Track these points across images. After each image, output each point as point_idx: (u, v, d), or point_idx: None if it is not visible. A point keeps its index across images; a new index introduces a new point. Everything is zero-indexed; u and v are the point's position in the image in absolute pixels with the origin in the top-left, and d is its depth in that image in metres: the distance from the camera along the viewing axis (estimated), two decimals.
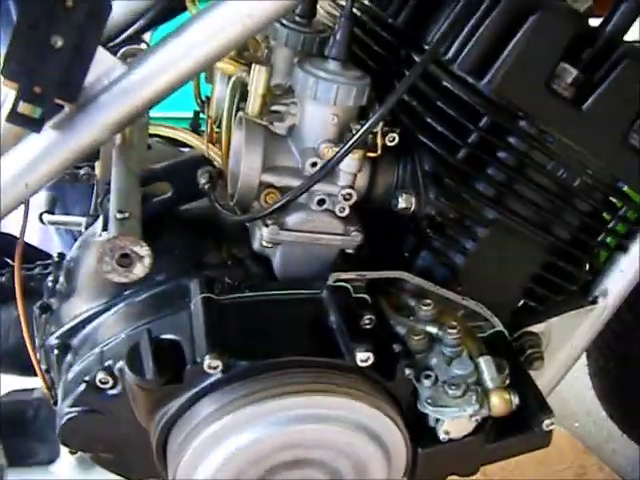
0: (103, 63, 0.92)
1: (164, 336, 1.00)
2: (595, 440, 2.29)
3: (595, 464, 2.20)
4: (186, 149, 1.42)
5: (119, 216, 0.92)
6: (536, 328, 1.30)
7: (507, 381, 1.07)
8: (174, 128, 1.39)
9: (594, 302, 1.31)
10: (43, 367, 1.20)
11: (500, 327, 1.17)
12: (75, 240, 1.38)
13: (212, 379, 0.97)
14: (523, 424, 1.11)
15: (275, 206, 1.02)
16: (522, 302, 1.25)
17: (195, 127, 1.62)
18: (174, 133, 1.37)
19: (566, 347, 1.35)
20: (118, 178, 1.04)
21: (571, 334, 1.34)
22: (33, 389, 1.44)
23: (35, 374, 1.23)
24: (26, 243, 1.34)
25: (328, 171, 1.01)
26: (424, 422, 1.07)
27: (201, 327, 0.98)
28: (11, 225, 1.26)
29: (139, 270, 0.90)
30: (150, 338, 0.97)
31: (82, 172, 1.46)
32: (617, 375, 2.02)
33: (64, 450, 1.36)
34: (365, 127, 0.98)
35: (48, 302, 1.25)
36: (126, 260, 0.90)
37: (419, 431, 1.07)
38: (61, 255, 1.35)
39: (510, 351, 1.16)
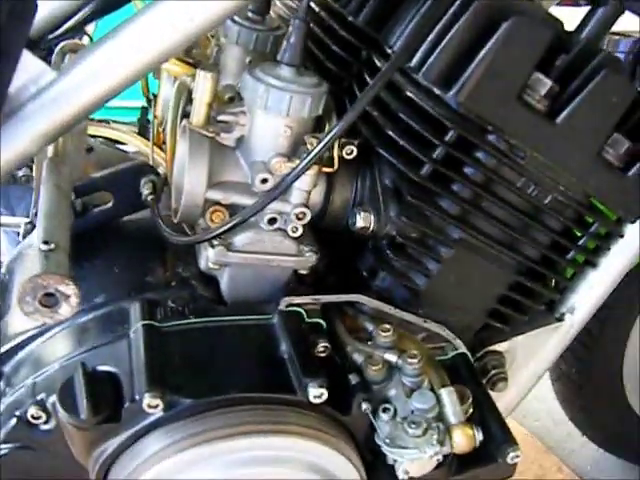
0: (30, 68, 0.83)
1: (101, 368, 0.92)
2: (555, 439, 2.26)
3: (555, 464, 2.18)
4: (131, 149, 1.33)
5: (44, 247, 0.83)
6: (500, 347, 1.23)
7: (470, 410, 1.00)
8: (118, 129, 1.30)
9: (560, 319, 1.24)
10: None
11: (463, 349, 1.10)
12: None
13: (152, 418, 0.89)
14: (487, 455, 1.04)
15: (222, 229, 0.94)
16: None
17: (142, 124, 1.54)
18: (118, 135, 1.28)
19: (531, 365, 1.29)
20: (47, 201, 0.95)
21: (536, 352, 1.27)
22: None
23: None
24: None
25: (282, 192, 0.92)
26: (382, 458, 0.99)
27: (141, 360, 0.90)
28: None
29: (65, 310, 0.81)
30: (84, 373, 0.89)
31: (21, 173, 1.37)
32: (578, 380, 1.98)
33: None
34: (322, 143, 0.90)
35: None
36: (50, 299, 0.80)
37: (376, 469, 1.00)
38: None
39: (473, 375, 1.09)
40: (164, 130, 1.18)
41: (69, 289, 0.79)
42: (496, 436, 1.02)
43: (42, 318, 0.79)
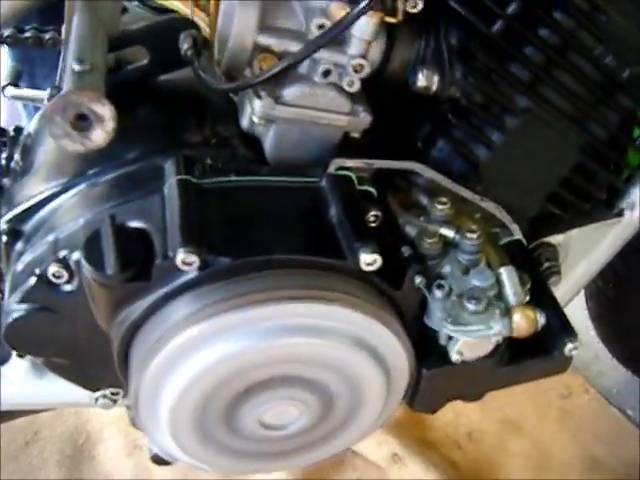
0: None
1: (130, 224, 0.83)
2: (582, 360, 2.19)
3: (581, 385, 2.12)
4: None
5: (77, 68, 0.73)
6: (554, 240, 1.15)
7: (527, 298, 0.91)
8: None
9: (619, 215, 1.16)
10: None
11: (519, 235, 1.01)
12: None
13: (185, 278, 0.81)
14: (541, 347, 0.96)
15: (271, 72, 0.84)
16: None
17: None
18: None
19: (584, 262, 1.21)
20: (81, 24, 0.84)
21: (591, 249, 1.20)
22: None
23: None
24: None
25: (338, 34, 0.82)
26: (431, 339, 0.91)
27: (175, 215, 0.82)
28: None
29: (98, 136, 0.71)
30: (113, 225, 0.80)
31: (47, 36, 1.26)
32: (614, 298, 1.88)
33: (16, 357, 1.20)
34: None
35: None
36: (82, 123, 0.70)
37: (425, 349, 0.92)
38: (18, 129, 1.16)
39: (530, 263, 1.00)
40: None
41: (105, 110, 0.69)
42: (553, 326, 0.94)
43: (72, 144, 0.70)
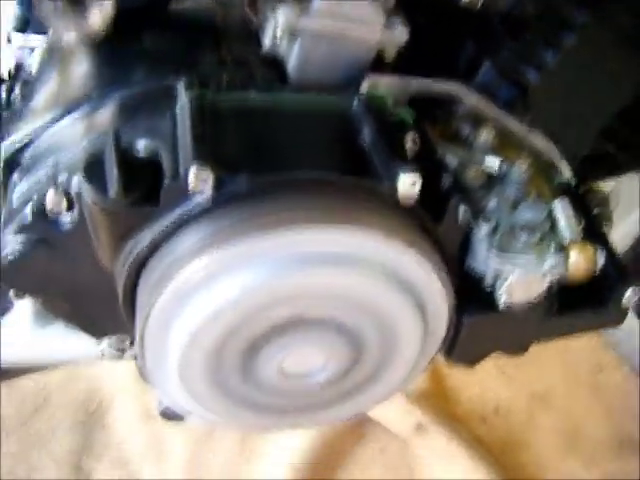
0: None
1: (137, 144, 0.74)
2: (615, 336, 2.10)
3: (613, 361, 2.04)
4: None
5: None
6: (605, 186, 1.04)
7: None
8: None
9: None
10: None
11: (568, 175, 0.91)
12: None
13: (198, 200, 0.71)
14: (595, 296, 0.86)
15: None
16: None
17: None
18: None
19: (633, 216, 1.10)
20: None
21: None
22: None
23: None
24: None
25: None
26: (474, 283, 0.81)
27: (188, 132, 0.72)
28: None
29: (95, 19, 0.61)
30: (117, 143, 0.71)
31: None
32: None
33: (18, 303, 1.12)
34: None
35: None
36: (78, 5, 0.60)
37: (467, 295, 0.82)
38: (19, 65, 1.07)
39: (581, 204, 0.90)
40: None
41: None
42: (608, 273, 0.84)
43: (64, 26, 0.60)
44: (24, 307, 1.11)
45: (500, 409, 1.87)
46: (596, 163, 1.00)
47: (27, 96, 0.96)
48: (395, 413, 1.75)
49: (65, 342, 1.11)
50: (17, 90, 1.02)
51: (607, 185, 1.06)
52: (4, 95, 1.04)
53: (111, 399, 1.80)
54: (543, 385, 1.92)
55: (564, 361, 1.99)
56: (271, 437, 1.74)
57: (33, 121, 0.88)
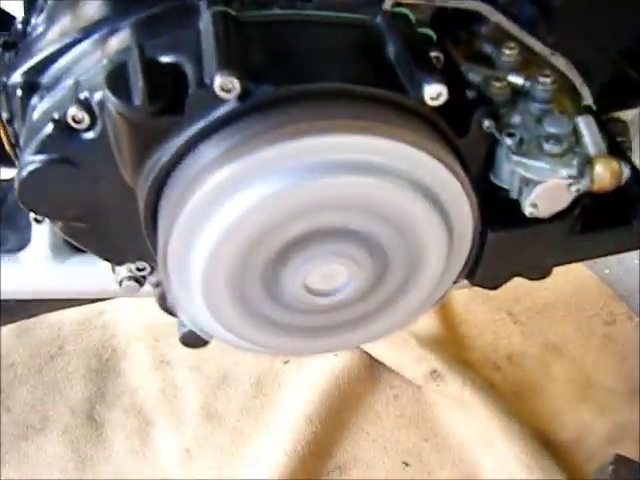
0: None
1: (161, 58, 0.73)
2: (626, 288, 2.10)
3: (624, 312, 2.03)
4: None
5: None
6: (625, 115, 1.03)
7: None
8: None
9: None
10: (4, 116, 0.92)
11: (590, 100, 0.90)
12: None
13: (223, 109, 0.70)
14: (618, 215, 0.85)
15: None
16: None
17: None
18: None
19: None
20: None
21: None
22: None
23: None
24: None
25: None
26: (498, 200, 0.80)
27: (211, 44, 0.71)
28: None
29: None
30: (141, 54, 0.71)
31: None
32: None
33: (35, 237, 1.12)
34: None
35: (15, 40, 0.97)
36: None
37: (490, 212, 0.81)
38: None
39: (604, 129, 0.89)
40: None
41: None
42: (632, 191, 0.84)
43: None
44: (42, 241, 1.11)
45: (514, 356, 1.87)
46: (618, 90, 0.99)
47: (43, 24, 0.95)
48: (409, 359, 1.75)
49: (82, 277, 1.11)
50: (33, 20, 1.01)
51: (627, 114, 1.05)
52: (20, 26, 1.03)
53: (125, 347, 1.81)
54: (556, 335, 1.92)
55: (576, 312, 1.98)
56: (285, 384, 1.74)
57: (51, 44, 0.87)
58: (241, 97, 0.69)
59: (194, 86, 0.70)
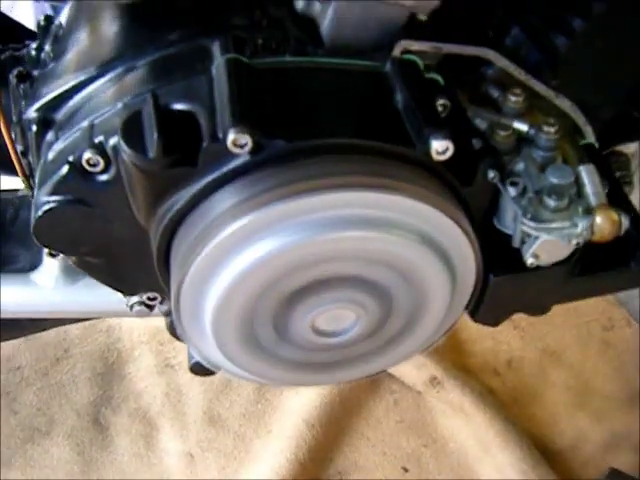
0: None
1: (175, 106, 0.75)
2: (626, 293, 2.11)
3: (624, 318, 2.04)
4: None
5: None
6: (627, 149, 1.05)
7: None
8: None
9: None
10: (19, 148, 0.94)
11: (592, 139, 0.92)
12: None
13: (235, 163, 0.73)
14: (617, 257, 0.87)
15: None
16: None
17: None
18: None
19: None
20: None
21: None
22: (18, 190, 1.19)
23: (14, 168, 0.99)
24: (12, 20, 1.13)
25: None
26: (500, 244, 0.83)
27: (225, 94, 0.73)
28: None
29: None
30: (156, 103, 0.72)
31: None
32: None
33: (47, 258, 1.14)
34: None
35: (29, 71, 0.98)
36: None
37: (493, 256, 0.84)
38: (48, 18, 1.07)
39: (605, 168, 0.91)
40: None
41: None
42: (631, 234, 0.86)
43: None
44: (53, 262, 1.13)
45: (513, 362, 1.89)
46: (619, 127, 1.01)
47: (58, 55, 0.97)
48: (409, 366, 1.77)
49: (93, 298, 1.13)
50: (47, 47, 1.02)
51: (628, 147, 1.06)
52: (34, 53, 1.04)
53: (130, 351, 1.82)
54: (555, 340, 1.93)
55: (575, 318, 1.99)
56: (287, 390, 1.76)
57: (66, 80, 0.88)
58: (253, 151, 0.71)
59: (207, 139, 0.72)
